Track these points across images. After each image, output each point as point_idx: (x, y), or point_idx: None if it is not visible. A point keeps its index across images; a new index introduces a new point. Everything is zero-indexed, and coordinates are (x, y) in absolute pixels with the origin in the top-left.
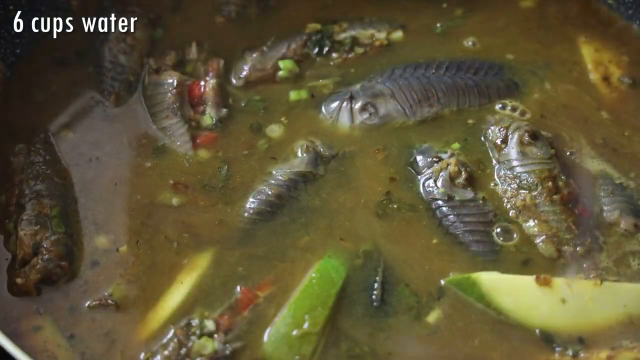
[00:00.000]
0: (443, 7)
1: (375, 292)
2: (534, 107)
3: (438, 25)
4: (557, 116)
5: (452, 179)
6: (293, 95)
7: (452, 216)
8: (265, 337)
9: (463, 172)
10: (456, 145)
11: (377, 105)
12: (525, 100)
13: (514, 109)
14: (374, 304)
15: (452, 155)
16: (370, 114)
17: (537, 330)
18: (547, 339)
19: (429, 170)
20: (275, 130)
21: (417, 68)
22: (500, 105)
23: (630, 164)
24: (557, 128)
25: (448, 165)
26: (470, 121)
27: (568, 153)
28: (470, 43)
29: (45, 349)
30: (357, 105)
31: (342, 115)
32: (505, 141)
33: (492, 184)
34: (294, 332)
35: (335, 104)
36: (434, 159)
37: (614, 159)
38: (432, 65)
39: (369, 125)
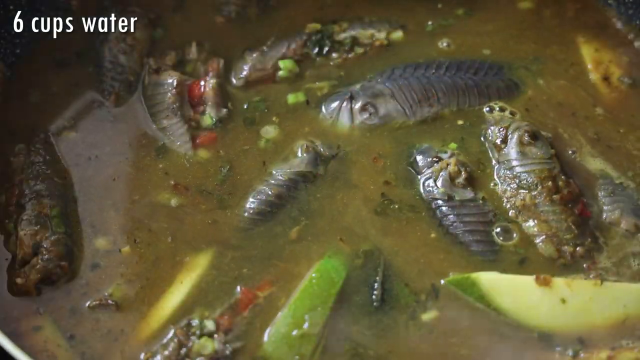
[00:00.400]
0: (443, 7)
1: (375, 292)
2: (526, 105)
3: (429, 23)
4: (552, 113)
5: (452, 178)
6: (291, 98)
7: (452, 216)
8: (265, 337)
9: (463, 172)
10: (453, 146)
11: (377, 105)
12: (519, 100)
13: (502, 110)
14: (374, 303)
15: (452, 155)
16: (370, 114)
17: (536, 330)
18: (547, 339)
19: (429, 170)
20: (269, 132)
21: (417, 68)
22: (487, 109)
23: (628, 162)
24: (552, 125)
25: (448, 165)
26: (460, 122)
27: (570, 152)
28: (445, 44)
29: (45, 349)
30: (357, 105)
31: (342, 115)
32: (505, 141)
33: (491, 184)
34: (294, 332)
35: (335, 104)
36: (434, 159)
37: (611, 156)
38: (432, 65)
39: (369, 125)
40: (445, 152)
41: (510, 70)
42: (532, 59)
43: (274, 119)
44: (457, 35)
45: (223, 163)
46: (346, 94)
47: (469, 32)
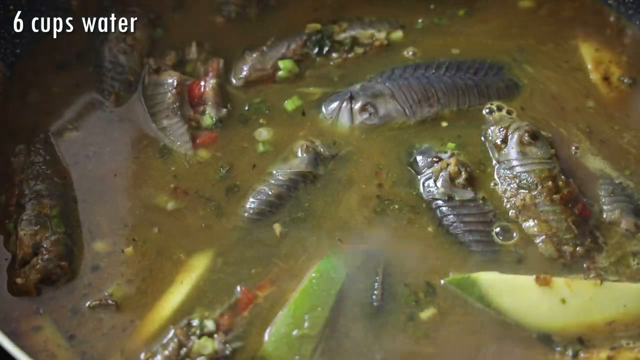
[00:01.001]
0: (442, 7)
1: (375, 291)
2: (522, 104)
3: (420, 20)
4: (548, 109)
5: (452, 179)
6: (289, 105)
7: (452, 216)
8: (266, 337)
9: (463, 172)
10: (451, 145)
11: (377, 106)
12: (518, 100)
13: (499, 108)
14: (374, 303)
15: (452, 155)
16: (370, 114)
17: (536, 330)
18: (547, 339)
19: (429, 170)
20: (263, 134)
21: (417, 68)
22: (487, 110)
23: (624, 160)
24: (546, 121)
25: (448, 165)
26: (460, 122)
27: (573, 148)
28: (410, 53)
29: (45, 349)
30: (357, 106)
31: (342, 115)
32: (505, 141)
33: (492, 184)
34: (294, 332)
35: (335, 104)
36: (434, 159)
37: (608, 153)
38: (432, 66)
39: (369, 125)
40: (446, 152)
41: (509, 71)
42: (517, 50)
43: (271, 120)
44: (451, 34)
45: (223, 163)
46: (346, 94)
47: (459, 33)
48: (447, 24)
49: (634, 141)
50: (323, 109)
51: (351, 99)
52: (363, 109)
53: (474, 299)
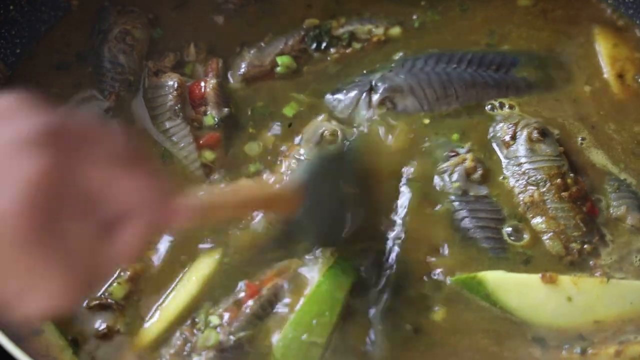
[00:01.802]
0: (439, 5)
1: (384, 294)
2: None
3: (414, 17)
4: (543, 104)
5: (468, 174)
6: (288, 111)
7: (464, 211)
8: (273, 342)
9: (479, 169)
10: (456, 137)
11: (396, 101)
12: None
13: (501, 105)
14: (383, 306)
15: (469, 151)
16: (387, 110)
17: (543, 329)
18: (554, 337)
19: (445, 164)
20: (254, 149)
21: (438, 61)
22: (489, 107)
23: (618, 153)
24: (538, 113)
25: (464, 160)
26: (457, 119)
27: (579, 139)
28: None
29: (47, 354)
30: (376, 98)
31: (360, 106)
32: (513, 138)
33: (500, 178)
34: (303, 337)
35: (354, 93)
36: (450, 153)
37: (600, 143)
38: (454, 59)
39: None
40: (462, 147)
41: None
42: (488, 34)
43: (267, 125)
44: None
45: (223, 164)
46: (365, 85)
47: (457, 32)
48: (434, 21)
49: (624, 133)
50: (340, 96)
51: (370, 90)
52: (381, 103)
53: (480, 298)
